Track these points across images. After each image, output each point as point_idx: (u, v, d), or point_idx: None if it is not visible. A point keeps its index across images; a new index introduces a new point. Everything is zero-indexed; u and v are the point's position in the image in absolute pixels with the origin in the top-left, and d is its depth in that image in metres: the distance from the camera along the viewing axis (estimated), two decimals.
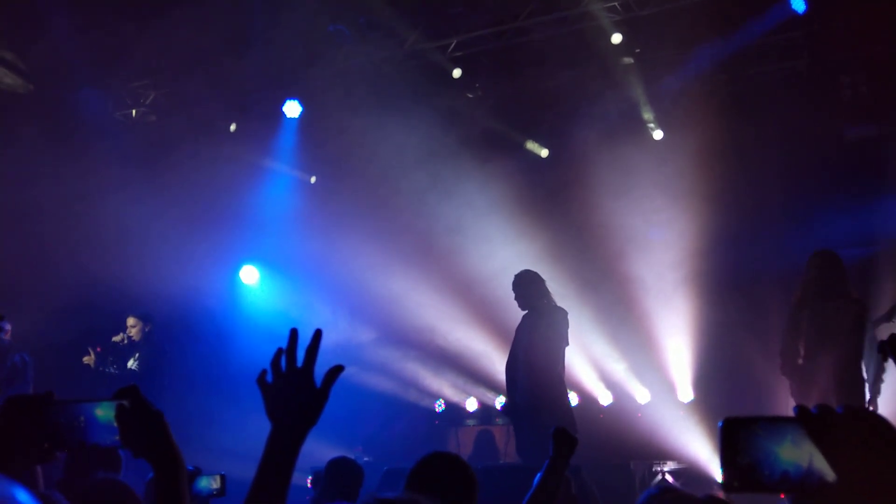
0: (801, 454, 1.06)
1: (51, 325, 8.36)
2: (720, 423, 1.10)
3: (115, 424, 1.57)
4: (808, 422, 1.06)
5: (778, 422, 1.08)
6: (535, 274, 6.95)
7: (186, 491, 1.58)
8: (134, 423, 1.56)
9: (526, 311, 6.91)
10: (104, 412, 1.58)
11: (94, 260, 8.80)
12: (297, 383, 1.60)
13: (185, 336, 9.76)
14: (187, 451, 1.68)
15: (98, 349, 8.21)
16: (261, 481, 1.57)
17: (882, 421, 1.07)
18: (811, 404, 1.07)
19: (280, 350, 1.63)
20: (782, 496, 1.12)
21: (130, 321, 8.32)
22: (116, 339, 8.26)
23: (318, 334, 1.62)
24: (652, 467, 7.06)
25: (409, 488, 2.73)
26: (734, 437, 1.09)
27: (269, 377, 1.62)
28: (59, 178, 8.52)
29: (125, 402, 1.57)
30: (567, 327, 6.72)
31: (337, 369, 1.61)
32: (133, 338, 8.29)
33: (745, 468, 1.08)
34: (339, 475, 4.75)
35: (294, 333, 1.63)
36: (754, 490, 1.08)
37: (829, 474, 1.04)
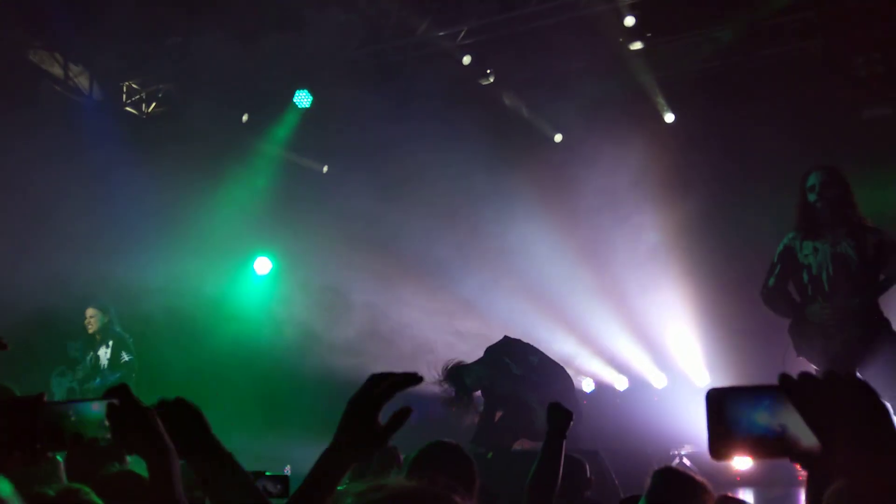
0: (784, 421, 1.09)
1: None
2: (706, 395, 1.14)
3: (107, 423, 1.59)
4: (791, 388, 1.08)
5: (761, 390, 1.13)
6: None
7: (179, 485, 1.60)
8: (125, 420, 1.59)
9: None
10: (94, 411, 1.60)
11: (105, 250, 8.82)
12: (365, 415, 1.63)
13: (195, 327, 9.79)
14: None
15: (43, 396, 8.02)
16: (303, 492, 1.61)
17: (863, 385, 1.08)
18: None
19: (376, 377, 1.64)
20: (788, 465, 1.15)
21: (89, 312, 8.18)
22: (72, 346, 8.22)
23: (412, 378, 1.65)
24: (669, 451, 7.04)
25: (410, 476, 2.72)
26: (719, 406, 1.13)
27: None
28: (71, 170, 8.52)
29: (115, 401, 1.60)
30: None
31: (405, 412, 1.63)
32: (89, 329, 8.14)
33: (731, 436, 1.11)
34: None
35: (394, 379, 1.64)
36: (742, 455, 1.12)
37: (812, 439, 1.06)
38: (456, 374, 6.64)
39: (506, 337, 7.04)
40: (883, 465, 1.02)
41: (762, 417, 1.11)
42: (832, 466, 1.05)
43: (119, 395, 1.61)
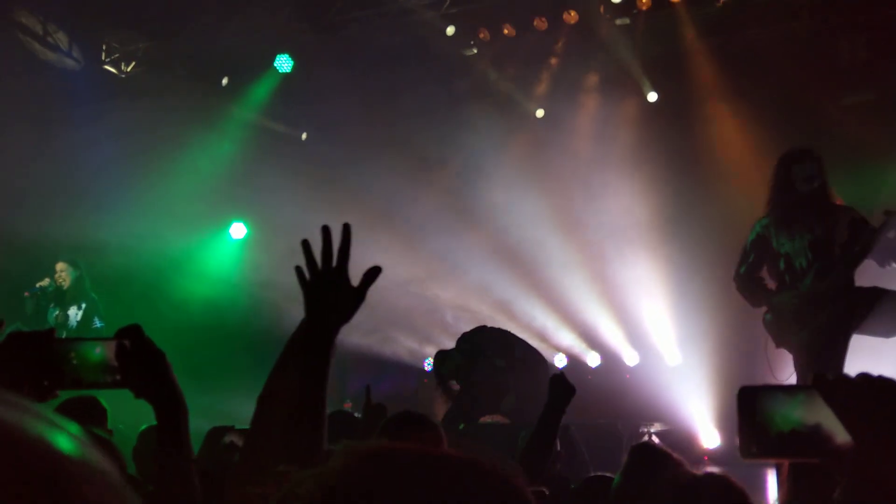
0: (817, 421, 1.08)
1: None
2: (737, 392, 1.12)
3: (116, 364, 1.52)
4: (824, 389, 1.07)
5: (794, 389, 1.12)
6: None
7: (188, 434, 1.56)
8: (136, 363, 1.52)
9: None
10: (97, 353, 1.53)
11: (82, 212, 8.68)
12: (333, 280, 1.63)
13: (163, 288, 9.70)
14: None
15: (26, 294, 7.70)
16: (305, 378, 1.57)
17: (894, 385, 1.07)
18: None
19: (309, 249, 1.64)
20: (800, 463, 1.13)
21: (59, 266, 7.84)
22: (42, 283, 7.74)
23: (347, 229, 1.65)
24: (639, 428, 7.08)
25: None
26: (750, 404, 1.11)
27: (307, 275, 1.63)
28: (46, 128, 8.34)
29: (126, 342, 1.53)
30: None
31: (375, 270, 1.66)
32: (62, 284, 7.80)
33: (762, 435, 1.10)
34: (336, 428, 4.69)
35: (327, 232, 1.65)
36: (771, 456, 1.12)
37: (846, 440, 1.05)
38: (435, 361, 6.64)
39: (483, 327, 7.01)
40: None
41: (796, 417, 1.09)
42: (867, 466, 1.04)
43: (131, 336, 1.54)
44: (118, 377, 1.53)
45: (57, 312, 7.80)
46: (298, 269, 1.64)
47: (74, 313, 7.80)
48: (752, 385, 1.13)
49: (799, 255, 5.14)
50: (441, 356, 6.69)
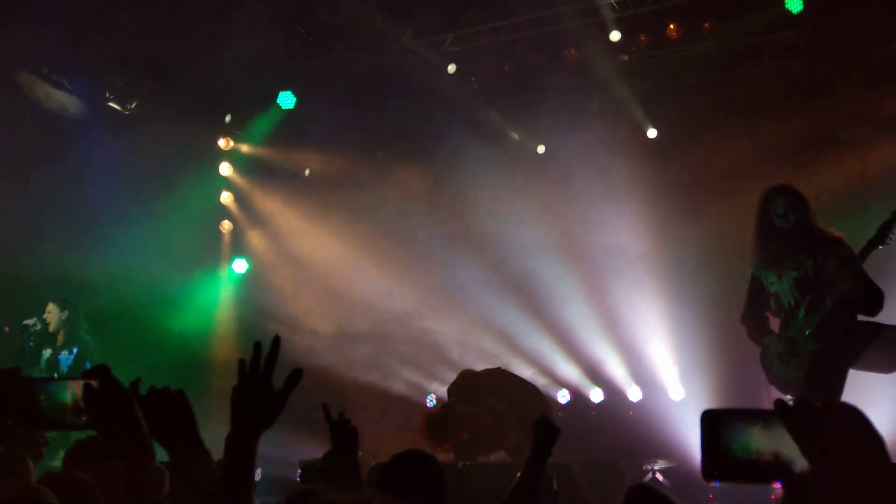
0: (777, 445, 1.10)
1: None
2: (700, 416, 1.16)
3: (83, 405, 1.48)
4: (786, 415, 1.09)
5: (756, 414, 1.13)
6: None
7: (154, 480, 1.52)
8: (103, 404, 1.49)
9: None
10: (66, 392, 1.50)
11: (81, 247, 8.72)
12: (257, 388, 1.64)
13: (174, 324, 9.72)
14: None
15: (6, 329, 7.48)
16: (226, 480, 1.55)
17: (857, 413, 1.17)
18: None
19: (242, 360, 1.68)
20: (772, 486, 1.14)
21: (49, 306, 7.64)
22: (28, 321, 7.51)
23: (276, 341, 1.69)
24: (642, 466, 7.03)
25: (380, 486, 2.70)
26: (714, 428, 1.14)
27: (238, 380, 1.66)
28: (50, 165, 8.40)
29: (93, 383, 1.50)
30: None
31: (297, 373, 1.67)
32: (49, 325, 7.60)
33: (725, 458, 1.12)
34: (335, 465, 4.68)
35: (257, 347, 1.68)
36: (733, 479, 1.13)
37: (805, 465, 1.07)
38: (432, 425, 6.76)
39: (484, 371, 7.00)
40: (873, 490, 1.05)
41: (756, 441, 1.11)
42: (822, 491, 1.05)
43: (99, 377, 1.51)
44: (85, 419, 1.50)
45: (49, 355, 7.63)
46: (241, 362, 1.69)
47: (66, 357, 7.62)
48: (714, 409, 1.15)
49: (786, 294, 5.17)
50: (438, 420, 6.69)
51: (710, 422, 1.13)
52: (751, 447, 1.10)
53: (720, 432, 1.12)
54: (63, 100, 9.08)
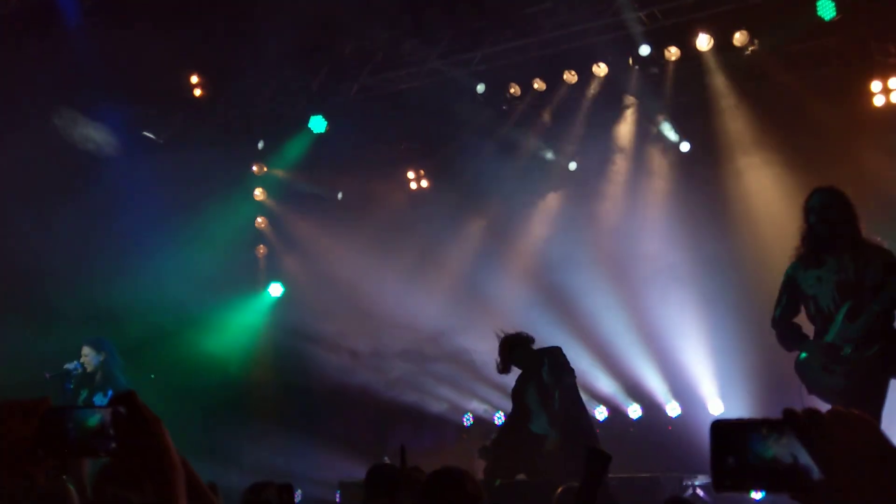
0: (789, 455, 1.09)
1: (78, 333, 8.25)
2: (710, 425, 1.13)
3: (112, 431, 1.51)
4: (795, 423, 1.08)
5: (766, 424, 1.12)
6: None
7: (184, 498, 1.53)
8: (131, 430, 1.50)
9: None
10: (94, 419, 1.52)
11: (125, 279, 8.90)
12: None
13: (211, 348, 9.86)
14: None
15: (47, 375, 7.47)
16: None
17: (868, 422, 1.10)
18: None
19: None
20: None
21: (84, 350, 7.60)
22: (69, 366, 7.51)
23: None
24: (682, 482, 6.96)
25: (419, 501, 2.73)
26: (724, 438, 1.12)
27: None
28: (86, 195, 8.60)
29: (121, 409, 1.51)
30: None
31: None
32: (86, 368, 7.58)
33: (735, 469, 1.11)
34: (378, 480, 4.73)
35: None
36: (744, 489, 1.11)
37: (817, 474, 1.07)
38: (508, 346, 6.66)
39: (556, 347, 6.93)
40: (886, 499, 1.02)
41: (769, 451, 1.10)
42: (837, 500, 1.04)
43: (126, 403, 1.52)
44: (114, 445, 1.51)
45: (85, 396, 7.66)
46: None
47: (101, 399, 7.61)
48: (724, 419, 1.14)
49: (826, 297, 5.01)
50: (516, 346, 6.67)
51: (721, 432, 1.12)
52: (766, 456, 1.10)
53: (733, 442, 1.11)
54: (98, 139, 9.27)
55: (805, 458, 1.08)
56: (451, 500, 2.70)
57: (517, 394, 6.75)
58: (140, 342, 8.92)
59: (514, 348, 6.64)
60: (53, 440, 1.51)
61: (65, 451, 1.55)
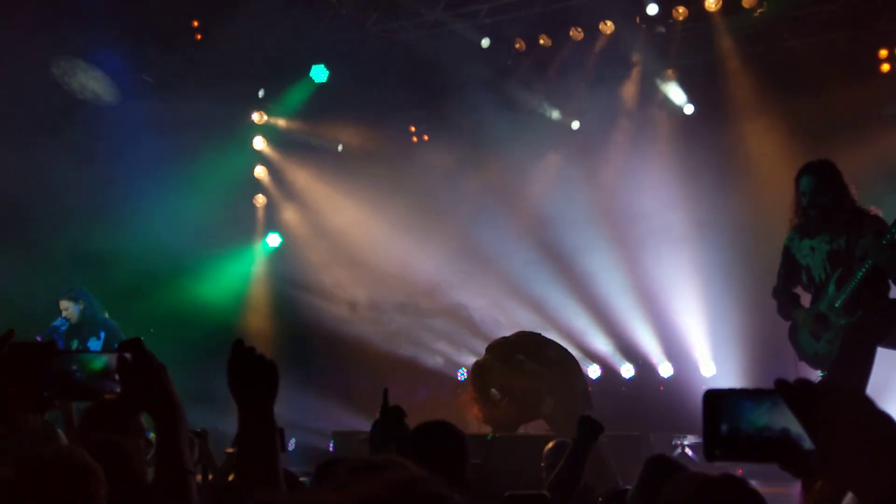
0: (780, 424, 1.09)
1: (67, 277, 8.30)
2: (703, 395, 1.13)
3: (117, 377, 1.56)
4: (787, 393, 1.08)
5: (758, 393, 1.11)
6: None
7: (186, 446, 1.59)
8: (137, 375, 1.56)
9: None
10: (99, 364, 1.58)
11: (120, 223, 8.90)
12: (249, 361, 1.70)
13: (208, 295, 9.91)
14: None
15: (38, 339, 7.58)
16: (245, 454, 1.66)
17: (860, 394, 1.09)
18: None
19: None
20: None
21: (62, 304, 7.60)
22: (56, 323, 7.51)
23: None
24: (672, 440, 7.08)
25: (403, 453, 2.78)
26: (715, 407, 1.12)
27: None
28: (83, 139, 8.55)
29: (127, 355, 1.56)
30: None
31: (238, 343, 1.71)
32: (70, 321, 7.59)
33: (726, 438, 1.11)
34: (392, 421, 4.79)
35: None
36: (735, 459, 1.12)
37: (808, 444, 1.06)
38: (474, 373, 6.75)
39: (518, 333, 7.08)
40: (879, 472, 1.02)
41: (760, 420, 1.10)
42: (826, 471, 1.05)
43: (132, 349, 1.57)
44: (118, 389, 1.56)
45: (77, 345, 7.66)
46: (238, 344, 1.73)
47: (95, 343, 7.67)
48: (716, 388, 1.14)
49: (818, 267, 5.10)
50: (478, 369, 6.81)
51: (712, 400, 1.12)
52: (756, 425, 1.10)
53: (724, 411, 1.11)
54: (98, 89, 9.19)
55: (796, 429, 1.07)
56: (436, 451, 2.76)
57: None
58: (132, 288, 8.97)
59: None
60: (60, 382, 1.56)
61: (71, 392, 1.59)
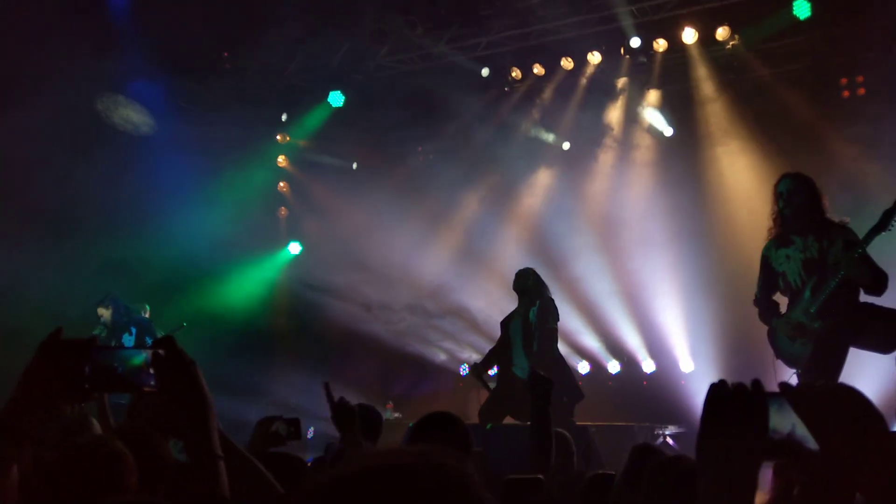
0: (783, 424, 1.05)
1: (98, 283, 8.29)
2: (708, 389, 1.09)
3: (152, 371, 1.56)
4: (790, 396, 1.05)
5: (770, 395, 1.07)
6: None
7: (216, 432, 1.58)
8: (170, 369, 1.56)
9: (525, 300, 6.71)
10: (137, 360, 1.58)
11: (158, 232, 8.93)
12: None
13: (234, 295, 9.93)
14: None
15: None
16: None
17: (858, 395, 1.07)
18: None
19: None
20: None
21: (99, 311, 7.64)
22: (95, 332, 7.38)
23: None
24: (654, 430, 7.07)
25: (408, 444, 2.77)
26: (720, 402, 1.08)
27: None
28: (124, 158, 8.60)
29: (161, 352, 1.56)
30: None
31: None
32: (107, 325, 7.61)
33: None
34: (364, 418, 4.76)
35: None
36: None
37: (811, 443, 1.04)
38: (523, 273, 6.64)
39: (550, 297, 6.86)
40: (878, 468, 1.00)
41: (772, 423, 1.05)
42: (828, 468, 1.03)
43: (165, 346, 1.56)
44: (153, 384, 1.56)
45: (114, 343, 7.56)
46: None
47: (128, 338, 7.68)
48: (719, 381, 1.10)
49: (794, 274, 5.05)
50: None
51: (716, 396, 1.09)
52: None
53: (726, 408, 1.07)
54: (137, 121, 9.23)
55: (799, 428, 1.04)
56: (440, 442, 2.74)
57: (505, 322, 6.78)
58: (168, 291, 9.01)
59: (525, 276, 6.58)
60: (102, 376, 1.55)
61: (112, 385, 1.60)
